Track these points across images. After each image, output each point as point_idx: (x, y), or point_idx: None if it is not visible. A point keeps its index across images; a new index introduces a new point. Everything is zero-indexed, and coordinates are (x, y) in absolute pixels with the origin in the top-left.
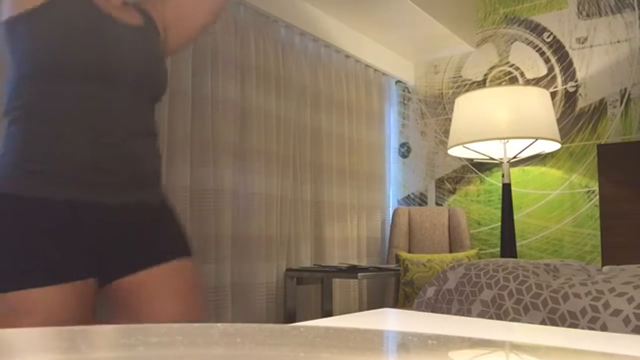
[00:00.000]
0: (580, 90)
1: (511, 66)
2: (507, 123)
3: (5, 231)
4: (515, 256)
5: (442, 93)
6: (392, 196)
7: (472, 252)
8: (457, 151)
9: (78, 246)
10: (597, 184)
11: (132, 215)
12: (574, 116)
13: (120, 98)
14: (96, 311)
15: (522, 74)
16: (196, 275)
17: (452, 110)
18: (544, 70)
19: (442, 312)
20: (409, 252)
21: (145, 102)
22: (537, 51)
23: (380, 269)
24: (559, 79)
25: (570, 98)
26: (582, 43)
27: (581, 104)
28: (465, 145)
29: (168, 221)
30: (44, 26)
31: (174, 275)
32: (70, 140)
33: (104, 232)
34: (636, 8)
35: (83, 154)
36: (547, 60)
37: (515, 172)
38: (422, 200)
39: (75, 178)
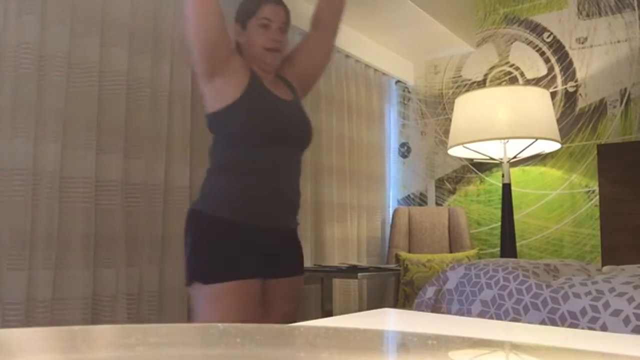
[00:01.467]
0: (580, 90)
1: (511, 66)
2: (507, 123)
3: (215, 241)
4: (515, 256)
5: (442, 93)
6: (392, 196)
7: (472, 252)
8: (457, 151)
9: (258, 255)
10: (597, 184)
11: (287, 236)
12: (574, 116)
13: (289, 155)
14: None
15: (522, 74)
16: (298, 291)
17: (452, 110)
18: (544, 70)
19: (442, 312)
20: (409, 252)
21: (300, 153)
22: (537, 51)
23: (380, 269)
24: (559, 79)
25: (570, 98)
26: (582, 43)
27: (581, 104)
28: (465, 145)
29: (298, 243)
30: (240, 114)
31: (295, 287)
32: (256, 186)
33: (272, 246)
34: (636, 8)
35: (264, 194)
36: (547, 60)
37: (515, 172)
38: (422, 200)
39: (258, 211)
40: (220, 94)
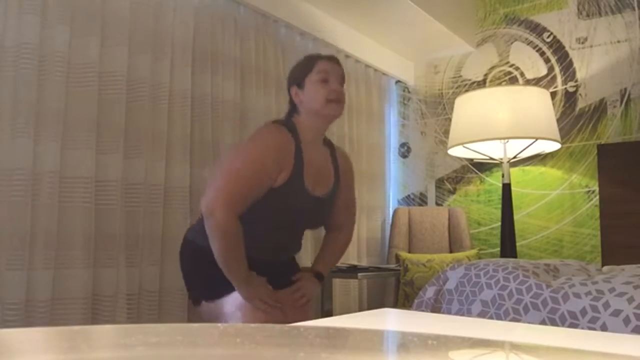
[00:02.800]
0: (580, 90)
1: (511, 66)
2: (507, 123)
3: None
4: (515, 256)
5: (442, 93)
6: (392, 196)
7: (472, 252)
8: (457, 151)
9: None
10: (597, 184)
11: (283, 265)
12: (574, 116)
13: (294, 235)
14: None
15: (522, 74)
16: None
17: (452, 110)
18: (544, 70)
19: (442, 312)
20: (409, 252)
21: (302, 233)
22: (537, 51)
23: (380, 269)
24: (559, 79)
25: (570, 98)
26: (582, 43)
27: (581, 104)
28: (465, 145)
29: (295, 264)
30: (276, 199)
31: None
32: (267, 238)
33: (273, 271)
34: (636, 8)
35: (269, 242)
36: (547, 60)
37: (515, 172)
38: (422, 200)
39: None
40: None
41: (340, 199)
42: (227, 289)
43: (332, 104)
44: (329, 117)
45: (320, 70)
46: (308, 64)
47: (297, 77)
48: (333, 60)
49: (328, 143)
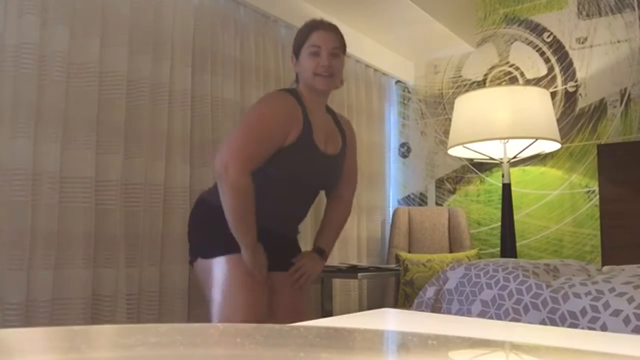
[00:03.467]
0: (580, 90)
1: (511, 66)
2: (507, 123)
3: (220, 223)
4: (515, 256)
5: (442, 93)
6: (392, 196)
7: (472, 252)
8: (457, 151)
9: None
10: (597, 184)
11: (286, 241)
12: (574, 116)
13: (305, 195)
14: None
15: (522, 74)
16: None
17: (452, 110)
18: (544, 70)
19: (442, 312)
20: (409, 252)
21: (316, 194)
22: (537, 51)
23: (380, 269)
24: (559, 79)
25: (570, 98)
26: (582, 43)
27: (581, 104)
28: (465, 145)
29: (298, 247)
30: (288, 158)
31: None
32: (267, 207)
33: (274, 242)
34: (636, 8)
35: (273, 214)
36: (547, 60)
37: (515, 172)
38: (422, 200)
39: (263, 220)
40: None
41: (346, 164)
42: (225, 249)
43: (319, 78)
44: (317, 90)
45: (312, 43)
46: (304, 33)
47: (295, 46)
48: (329, 29)
49: (330, 111)
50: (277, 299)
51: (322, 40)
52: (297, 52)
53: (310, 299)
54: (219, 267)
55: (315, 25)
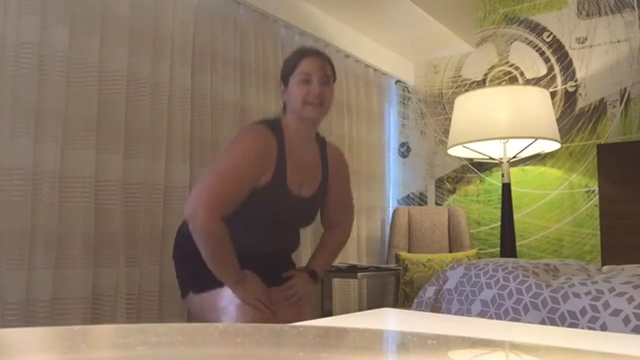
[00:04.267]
0: (580, 90)
1: (511, 66)
2: (507, 123)
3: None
4: (515, 256)
5: (442, 93)
6: (392, 196)
7: (472, 252)
8: (457, 151)
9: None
10: (597, 184)
11: (278, 262)
12: (574, 116)
13: (285, 232)
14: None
15: (522, 74)
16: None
17: (452, 110)
18: (544, 70)
19: (442, 312)
20: (409, 252)
21: (296, 232)
22: (537, 51)
23: (380, 269)
24: (559, 79)
25: (570, 98)
26: (582, 43)
27: (581, 104)
28: (465, 145)
29: (291, 261)
30: (262, 198)
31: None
32: (256, 238)
33: (267, 268)
34: (636, 8)
35: (263, 242)
36: (547, 60)
37: (515, 172)
38: (422, 200)
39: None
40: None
41: (333, 197)
42: (218, 281)
43: (310, 107)
44: (307, 120)
45: (302, 70)
46: (294, 60)
47: (284, 74)
48: (319, 57)
49: (320, 140)
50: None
51: (313, 68)
52: (286, 80)
53: (310, 299)
54: (221, 299)
55: (306, 53)
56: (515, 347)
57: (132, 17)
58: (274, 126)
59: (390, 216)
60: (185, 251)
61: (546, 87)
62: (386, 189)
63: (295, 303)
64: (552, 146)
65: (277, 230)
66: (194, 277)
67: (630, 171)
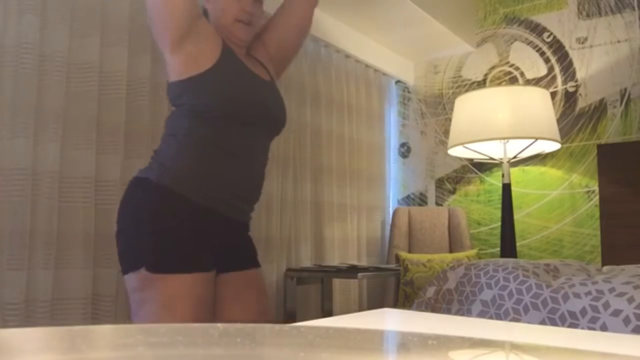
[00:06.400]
0: (580, 90)
1: (511, 66)
2: (507, 123)
3: (164, 219)
4: (515, 256)
5: (442, 93)
6: (392, 196)
7: (472, 252)
8: (457, 151)
9: (209, 244)
10: (597, 184)
11: (239, 229)
12: (574, 116)
13: (260, 139)
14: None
15: (522, 74)
16: (263, 283)
17: (452, 110)
18: (544, 70)
19: (442, 312)
20: (409, 252)
21: (270, 139)
22: (537, 51)
23: (380, 269)
24: (559, 79)
25: (570, 98)
26: (582, 43)
27: (581, 104)
28: (465, 145)
29: (249, 237)
30: (213, 84)
31: (252, 279)
32: (223, 167)
33: (222, 237)
34: (636, 8)
35: (230, 179)
36: (547, 60)
37: (515, 172)
38: (422, 200)
39: (218, 196)
40: (190, 60)
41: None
42: (182, 264)
43: (240, 26)
44: (234, 38)
45: None
46: None
47: None
48: None
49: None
50: (227, 308)
51: None
52: None
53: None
54: (162, 288)
55: None
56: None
57: (132, 17)
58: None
59: (390, 216)
60: (143, 208)
61: (546, 87)
62: (386, 189)
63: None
64: (552, 146)
65: (248, 136)
66: (151, 249)
67: (630, 171)
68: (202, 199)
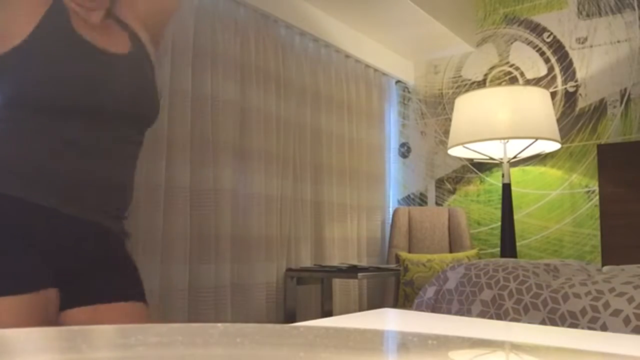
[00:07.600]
0: (580, 90)
1: (511, 66)
2: (507, 123)
3: None
4: (515, 256)
5: (442, 93)
6: (392, 196)
7: (472, 252)
8: (457, 151)
9: (50, 262)
10: (597, 184)
11: (101, 238)
12: (574, 116)
13: (105, 137)
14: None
15: (522, 74)
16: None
17: (452, 110)
18: (544, 70)
19: (442, 312)
20: (409, 252)
21: (134, 131)
22: (537, 51)
23: (380, 269)
24: (559, 79)
25: (570, 98)
26: (582, 43)
27: (581, 104)
28: (465, 145)
29: (125, 257)
30: (28, 61)
31: (124, 316)
32: (57, 163)
33: (61, 243)
34: (636, 8)
35: (66, 174)
36: (547, 60)
37: (515, 172)
38: (422, 200)
39: (57, 191)
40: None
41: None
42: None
43: None
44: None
45: None
46: None
47: None
48: None
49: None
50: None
51: None
52: None
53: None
54: None
55: None
56: (515, 347)
57: None
58: None
59: (390, 216)
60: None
61: (546, 87)
62: (386, 189)
63: None
64: (552, 146)
65: (89, 132)
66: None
67: (630, 171)
68: (28, 196)
